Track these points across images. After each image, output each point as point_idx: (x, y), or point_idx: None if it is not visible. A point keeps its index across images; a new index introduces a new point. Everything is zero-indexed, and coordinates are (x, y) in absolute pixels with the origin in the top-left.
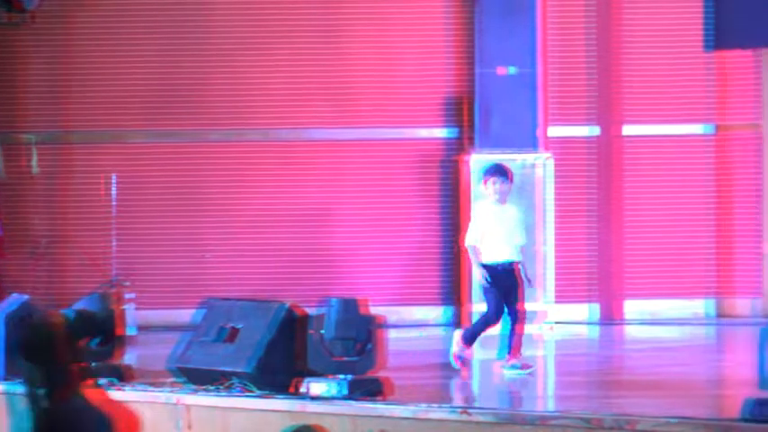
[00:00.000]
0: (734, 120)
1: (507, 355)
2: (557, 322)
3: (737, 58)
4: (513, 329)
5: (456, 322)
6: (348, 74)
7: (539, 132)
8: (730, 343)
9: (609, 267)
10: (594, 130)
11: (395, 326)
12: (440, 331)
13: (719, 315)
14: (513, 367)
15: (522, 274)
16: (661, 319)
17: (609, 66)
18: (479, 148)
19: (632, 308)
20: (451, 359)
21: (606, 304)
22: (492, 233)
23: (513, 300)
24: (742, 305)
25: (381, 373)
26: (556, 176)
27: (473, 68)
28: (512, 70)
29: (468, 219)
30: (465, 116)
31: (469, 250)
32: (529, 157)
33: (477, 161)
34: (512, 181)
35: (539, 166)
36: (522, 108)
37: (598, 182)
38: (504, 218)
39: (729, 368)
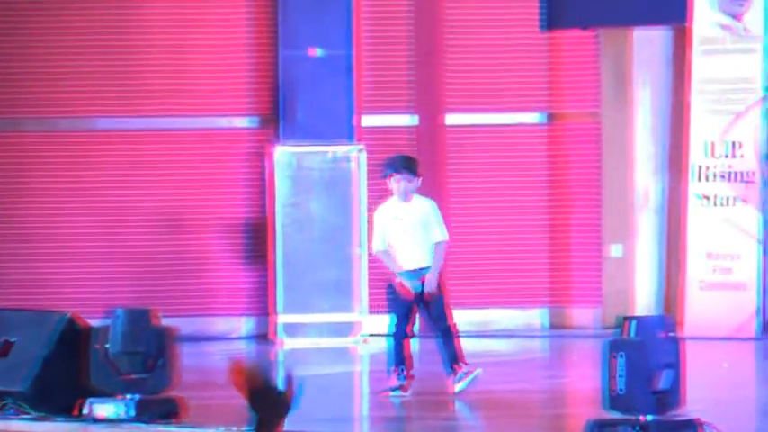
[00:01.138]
0: (570, 108)
1: (452, 371)
2: (371, 334)
3: (575, 40)
4: (444, 344)
5: (263, 335)
6: (138, 57)
7: (352, 122)
8: (568, 357)
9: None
10: (414, 120)
11: (192, 339)
12: (243, 345)
13: (556, 326)
14: (461, 381)
15: (429, 279)
16: (492, 331)
17: (431, 49)
18: (284, 140)
19: (460, 318)
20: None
21: None
22: (396, 237)
23: (435, 313)
24: (581, 315)
25: (176, 393)
26: (370, 171)
27: (278, 50)
28: (320, 52)
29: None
30: (269, 104)
31: (381, 258)
32: (341, 150)
33: (282, 154)
34: (418, 175)
35: (352, 159)
36: (333, 94)
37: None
38: (411, 218)
39: (569, 385)
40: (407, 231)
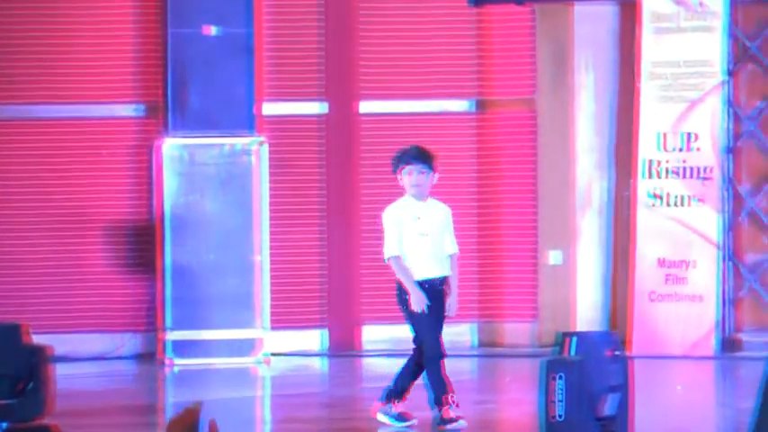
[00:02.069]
0: (502, 94)
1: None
2: (274, 353)
3: (507, 16)
4: (409, 368)
5: (149, 354)
6: (1, 34)
7: (253, 110)
8: (500, 379)
9: (343, 283)
10: (323, 108)
11: (67, 359)
12: (126, 365)
13: (486, 343)
14: (389, 415)
15: (450, 299)
16: (410, 350)
17: (343, 27)
18: (174, 131)
19: (372, 335)
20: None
21: (339, 331)
22: (413, 241)
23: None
24: (514, 331)
25: (49, 420)
26: (273, 166)
27: (166, 28)
28: (216, 31)
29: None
30: (157, 90)
31: (393, 264)
32: (240, 142)
33: (172, 147)
34: (434, 170)
35: (253, 152)
36: (231, 79)
37: (328, 173)
38: (432, 220)
39: (501, 412)
40: (427, 235)
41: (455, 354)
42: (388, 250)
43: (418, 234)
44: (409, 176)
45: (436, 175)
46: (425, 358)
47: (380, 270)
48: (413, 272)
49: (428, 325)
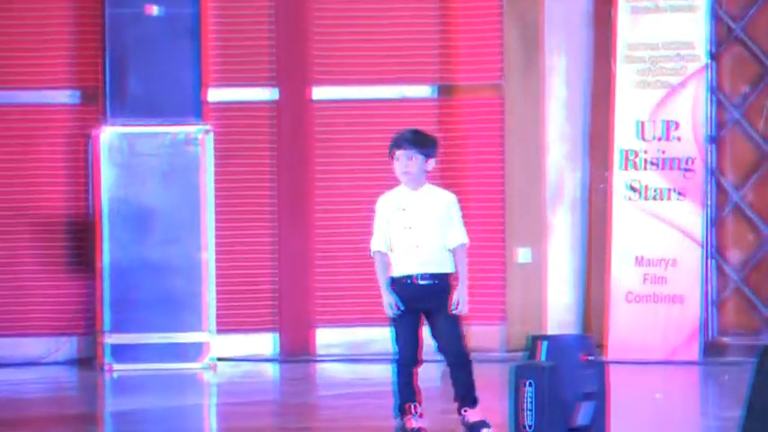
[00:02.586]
0: (467, 79)
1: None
2: (221, 359)
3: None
4: (455, 375)
5: (87, 358)
6: None
7: (198, 96)
8: (480, 379)
9: (295, 283)
10: (274, 94)
11: None
12: (62, 371)
13: None
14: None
15: (459, 296)
16: (367, 354)
17: (294, 8)
18: (113, 119)
19: (327, 339)
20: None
21: (291, 334)
22: (397, 234)
23: (441, 332)
24: (481, 334)
25: None
26: (220, 156)
27: (104, 7)
28: (158, 11)
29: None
30: (94, 74)
31: (375, 260)
32: (184, 131)
33: (110, 136)
34: (429, 155)
35: (198, 142)
36: (174, 63)
37: (279, 164)
38: (419, 210)
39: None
40: (411, 228)
41: None
42: (372, 244)
43: (402, 227)
44: (398, 162)
45: (432, 161)
46: (394, 362)
47: (336, 269)
48: (394, 268)
49: (399, 327)
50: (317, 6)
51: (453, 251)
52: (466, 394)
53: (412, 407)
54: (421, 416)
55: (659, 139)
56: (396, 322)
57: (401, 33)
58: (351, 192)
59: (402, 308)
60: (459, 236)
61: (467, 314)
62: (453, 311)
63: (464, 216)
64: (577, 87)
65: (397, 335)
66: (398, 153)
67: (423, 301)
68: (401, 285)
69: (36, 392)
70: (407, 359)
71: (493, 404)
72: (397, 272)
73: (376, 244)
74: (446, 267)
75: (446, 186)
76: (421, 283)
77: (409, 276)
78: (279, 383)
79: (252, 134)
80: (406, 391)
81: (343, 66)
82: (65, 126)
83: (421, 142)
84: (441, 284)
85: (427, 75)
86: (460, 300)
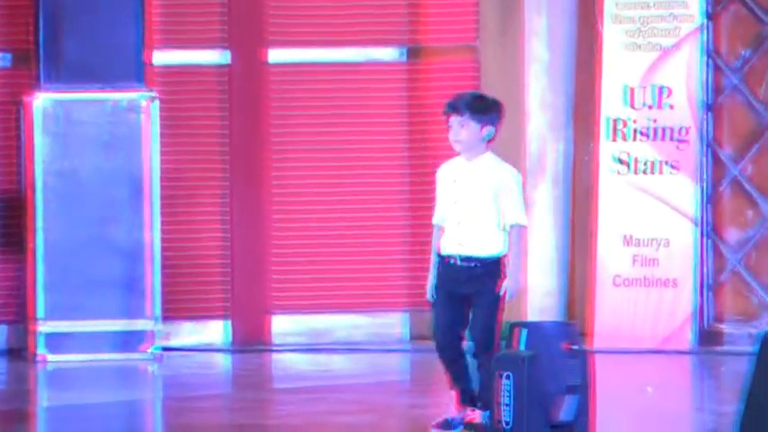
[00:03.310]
0: (438, 40)
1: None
2: (167, 348)
3: None
4: (478, 367)
5: (18, 348)
6: None
7: (142, 59)
8: (437, 378)
9: (249, 266)
10: (225, 57)
11: None
12: None
13: (419, 336)
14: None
15: (507, 282)
16: (330, 343)
17: None
18: (47, 84)
19: (284, 327)
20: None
21: (244, 322)
22: (448, 208)
23: (474, 320)
24: None
25: None
26: (166, 126)
27: None
28: None
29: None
30: (26, 35)
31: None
32: (126, 97)
33: (44, 102)
34: (485, 122)
35: (142, 109)
36: (115, 23)
37: (232, 134)
38: (471, 183)
39: (438, 416)
40: (458, 202)
41: (382, 348)
42: (433, 217)
43: (451, 200)
44: (450, 129)
45: (488, 129)
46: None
47: (294, 250)
48: (441, 246)
49: (436, 311)
50: None
51: (507, 231)
52: (479, 392)
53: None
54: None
55: (650, 107)
56: (434, 305)
57: None
58: (311, 164)
59: (435, 296)
60: (515, 215)
61: (511, 300)
62: (498, 298)
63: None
64: (560, 50)
65: (434, 319)
66: (452, 119)
67: (462, 286)
68: (444, 266)
69: None
70: (442, 346)
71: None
72: (443, 250)
73: (434, 216)
74: (492, 250)
75: (416, 158)
76: (460, 264)
77: (450, 257)
78: (231, 375)
79: (201, 101)
80: (456, 382)
81: (302, 26)
82: (4, 91)
83: (476, 107)
84: (482, 269)
85: (395, 36)
86: (509, 288)
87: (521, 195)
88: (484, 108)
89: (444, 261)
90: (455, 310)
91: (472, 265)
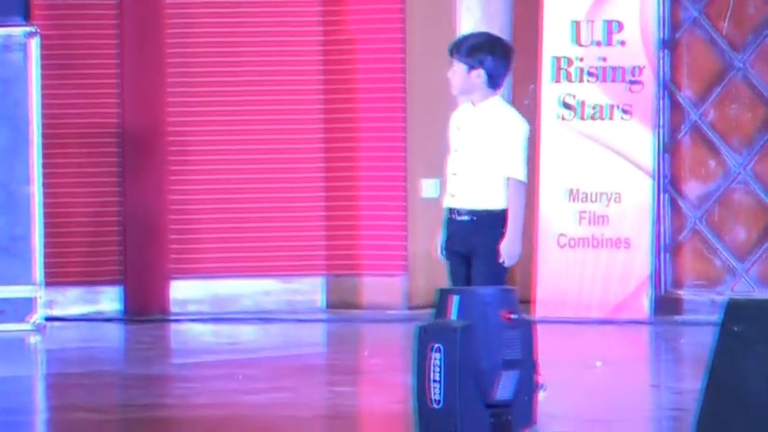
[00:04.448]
0: None
1: None
2: (51, 318)
3: None
4: None
5: None
6: None
7: None
8: (359, 352)
9: (145, 225)
10: None
11: None
12: None
13: (338, 304)
14: None
15: (504, 244)
16: (236, 312)
17: None
18: None
19: (185, 293)
20: None
21: (139, 288)
22: (450, 156)
23: (474, 281)
24: (377, 287)
25: None
26: (50, 66)
27: None
28: None
29: None
30: None
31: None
32: (5, 33)
33: None
34: (473, 66)
35: (23, 47)
36: None
37: (124, 75)
38: (469, 130)
39: (360, 397)
40: (458, 151)
41: (296, 318)
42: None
43: (453, 149)
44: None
45: (478, 73)
46: None
47: (196, 207)
48: (447, 198)
49: (449, 271)
50: None
51: (504, 184)
52: None
53: None
54: None
55: (599, 44)
56: (448, 265)
57: None
58: (213, 111)
59: (444, 252)
60: (512, 168)
61: (513, 264)
62: (506, 262)
63: (354, 140)
64: None
65: (448, 279)
66: (451, 58)
67: (462, 242)
68: (447, 220)
69: None
70: None
71: (392, 374)
72: (445, 203)
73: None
74: (489, 203)
75: (331, 103)
76: (458, 219)
77: (449, 210)
78: (124, 348)
79: (89, 38)
80: None
81: None
82: None
83: (463, 48)
84: (481, 222)
85: None
86: (504, 249)
87: (523, 148)
88: (470, 50)
89: (447, 215)
90: (465, 271)
91: (466, 218)
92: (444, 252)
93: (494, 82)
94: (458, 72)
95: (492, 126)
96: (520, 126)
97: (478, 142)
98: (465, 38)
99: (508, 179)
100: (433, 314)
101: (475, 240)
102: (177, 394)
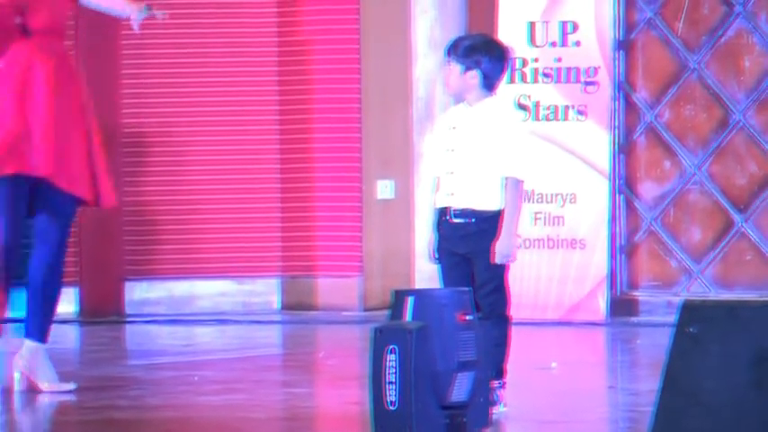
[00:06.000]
0: None
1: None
2: (4, 320)
3: None
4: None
5: None
6: None
7: None
8: (313, 354)
9: (99, 223)
10: None
11: None
12: None
13: (293, 305)
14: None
15: (499, 243)
16: (189, 314)
17: None
18: None
19: (141, 294)
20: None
21: (94, 288)
22: (442, 157)
23: (477, 283)
24: (333, 288)
25: None
26: None
27: None
28: None
29: None
30: None
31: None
32: None
33: None
34: (469, 67)
35: None
36: None
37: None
38: (466, 130)
39: (315, 398)
40: (453, 150)
41: (250, 320)
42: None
43: (446, 148)
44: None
45: (473, 74)
46: None
47: (151, 208)
48: (436, 200)
49: (441, 272)
50: None
51: (503, 184)
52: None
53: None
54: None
55: (554, 45)
56: (439, 266)
57: None
58: (167, 111)
59: (437, 254)
60: (510, 168)
61: (512, 261)
62: (497, 259)
63: (308, 140)
64: None
65: (440, 281)
66: (447, 58)
67: (458, 244)
68: (439, 222)
69: None
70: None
71: (348, 376)
72: (437, 204)
73: (435, 168)
74: (489, 204)
75: (286, 104)
76: (454, 221)
77: (444, 211)
78: (78, 350)
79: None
80: None
81: None
82: None
83: (458, 50)
84: (478, 225)
85: None
86: (498, 248)
87: (522, 147)
88: (466, 51)
89: (440, 217)
90: (459, 271)
91: (466, 220)
92: (440, 254)
93: (489, 83)
94: (453, 73)
95: (490, 125)
96: (519, 125)
97: (477, 141)
98: (461, 39)
99: (506, 179)
100: (389, 316)
101: (476, 242)
102: (132, 396)
